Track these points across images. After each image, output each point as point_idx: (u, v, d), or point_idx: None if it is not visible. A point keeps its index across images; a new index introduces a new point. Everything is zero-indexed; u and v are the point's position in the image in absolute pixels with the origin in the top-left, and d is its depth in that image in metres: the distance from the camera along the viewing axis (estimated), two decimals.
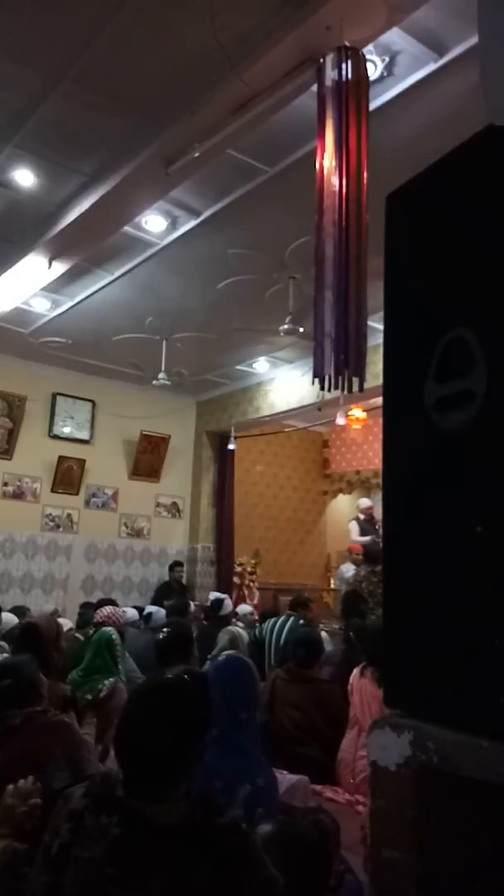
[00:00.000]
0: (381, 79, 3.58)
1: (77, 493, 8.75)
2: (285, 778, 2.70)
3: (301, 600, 6.21)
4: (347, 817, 2.47)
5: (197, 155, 3.80)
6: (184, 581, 9.22)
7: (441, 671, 0.95)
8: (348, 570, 8.61)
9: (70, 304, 6.63)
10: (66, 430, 8.71)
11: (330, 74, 3.05)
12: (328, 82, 3.06)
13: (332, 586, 10.26)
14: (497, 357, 0.92)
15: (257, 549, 10.20)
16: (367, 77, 3.15)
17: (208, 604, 6.98)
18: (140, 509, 9.37)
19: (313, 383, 3.04)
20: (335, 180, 2.99)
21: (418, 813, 0.94)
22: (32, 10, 3.24)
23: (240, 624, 6.48)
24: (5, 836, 1.75)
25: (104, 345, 7.67)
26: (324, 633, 5.18)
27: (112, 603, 5.90)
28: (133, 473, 9.26)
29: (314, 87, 3.19)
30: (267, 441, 10.64)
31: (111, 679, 4.08)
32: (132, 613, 6.16)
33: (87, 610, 6.53)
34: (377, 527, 8.50)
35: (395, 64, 3.53)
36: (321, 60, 3.08)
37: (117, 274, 5.97)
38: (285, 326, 5.85)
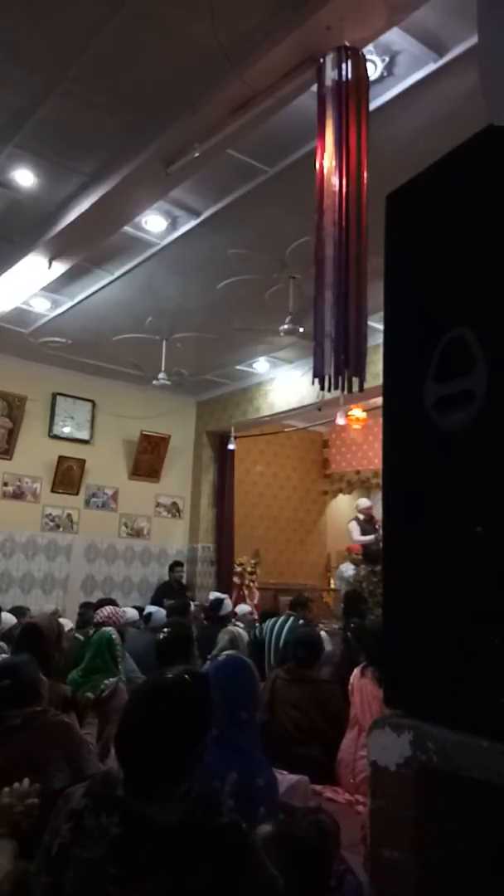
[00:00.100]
0: (381, 79, 3.58)
1: (77, 493, 8.75)
2: (285, 778, 2.70)
3: (301, 600, 6.21)
4: (347, 817, 2.47)
5: (197, 155, 3.80)
6: (184, 581, 9.21)
7: (441, 671, 0.95)
8: (348, 569, 8.61)
9: (70, 304, 6.63)
10: (66, 430, 8.71)
11: (330, 74, 3.05)
12: (328, 82, 3.06)
13: (332, 586, 10.26)
14: (497, 357, 0.92)
15: (257, 549, 10.20)
16: (367, 77, 3.15)
17: (208, 604, 6.98)
18: (140, 509, 9.36)
19: (313, 383, 3.04)
20: (335, 180, 2.99)
21: (418, 813, 0.94)
22: (32, 10, 3.23)
23: (239, 624, 6.48)
24: (3, 836, 1.76)
25: (104, 345, 7.67)
26: (323, 633, 5.18)
27: (112, 603, 5.90)
28: (133, 473, 9.26)
29: (314, 87, 3.19)
30: (267, 441, 10.64)
31: (112, 679, 4.08)
32: (132, 613, 6.16)
33: (87, 610, 6.53)
34: (377, 527, 8.50)
35: (395, 64, 3.53)
36: (321, 60, 3.08)
37: (117, 274, 5.96)
38: (285, 326, 5.85)
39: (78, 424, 8.79)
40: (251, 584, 9.62)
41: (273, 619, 5.82)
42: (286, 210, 4.74)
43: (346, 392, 3.00)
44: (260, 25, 3.14)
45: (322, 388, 3.03)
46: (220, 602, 6.68)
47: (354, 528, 8.82)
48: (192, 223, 5.09)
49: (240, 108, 3.47)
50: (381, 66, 3.52)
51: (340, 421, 7.87)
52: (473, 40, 2.94)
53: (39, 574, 8.41)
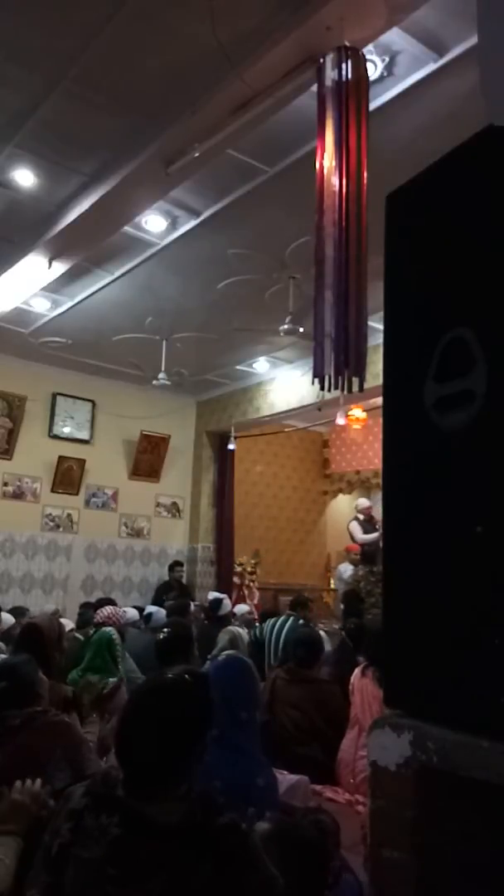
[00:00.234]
0: (381, 79, 3.58)
1: (77, 493, 8.75)
2: (285, 778, 2.70)
3: (301, 600, 6.20)
4: (347, 817, 2.46)
5: (197, 155, 3.80)
6: (184, 581, 9.21)
7: (441, 671, 0.95)
8: (346, 570, 8.61)
9: (70, 304, 6.63)
10: (66, 430, 8.71)
11: (330, 74, 3.05)
12: (328, 82, 3.06)
13: (332, 586, 10.26)
14: (497, 357, 0.92)
15: (257, 549, 10.20)
16: (367, 77, 3.15)
17: (208, 604, 6.98)
18: (140, 509, 9.37)
19: (313, 383, 3.04)
20: (335, 180, 2.99)
21: (418, 813, 0.94)
22: (32, 10, 3.24)
23: (237, 624, 6.47)
24: (12, 833, 1.75)
25: (104, 345, 7.67)
26: (322, 633, 5.18)
27: (112, 603, 5.90)
28: (133, 473, 9.26)
29: (314, 87, 3.19)
30: (267, 441, 10.64)
31: (113, 679, 4.08)
32: (132, 613, 6.16)
33: (87, 610, 6.53)
34: (377, 526, 8.49)
35: (395, 64, 3.53)
36: (321, 60, 3.08)
37: (117, 274, 5.97)
38: (285, 326, 5.85)
39: (78, 424, 8.80)
40: (251, 584, 9.62)
41: (273, 619, 5.82)
42: (286, 210, 4.74)
43: (346, 392, 3.01)
44: (260, 25, 3.14)
45: (322, 388, 3.03)
46: (218, 602, 6.68)
47: (356, 528, 8.81)
48: (192, 223, 5.09)
49: (240, 108, 3.47)
50: (381, 66, 3.52)
51: (340, 421, 7.87)
52: (473, 40, 2.95)
53: (39, 574, 8.41)
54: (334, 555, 11.06)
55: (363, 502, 9.20)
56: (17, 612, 6.10)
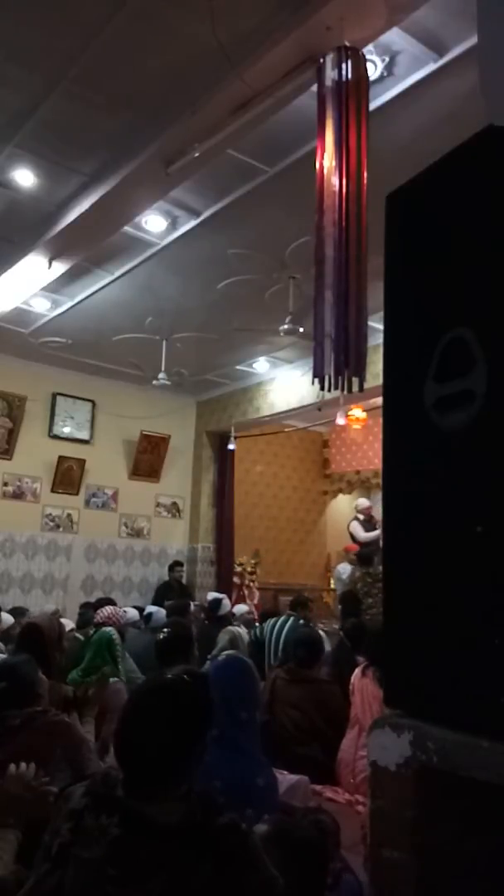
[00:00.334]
0: (381, 79, 3.58)
1: (77, 493, 8.74)
2: (285, 778, 2.70)
3: (301, 600, 6.21)
4: (347, 817, 2.47)
5: (197, 155, 3.79)
6: (184, 581, 9.21)
7: (441, 671, 0.95)
8: (345, 570, 8.61)
9: (70, 304, 6.63)
10: (66, 430, 8.71)
11: (330, 74, 3.05)
12: (328, 82, 3.06)
13: (332, 586, 10.26)
14: (497, 357, 0.92)
15: (257, 549, 10.20)
16: (367, 77, 3.15)
17: (207, 604, 6.98)
18: (140, 509, 9.36)
19: (313, 383, 3.03)
20: (335, 180, 2.99)
21: (418, 813, 0.94)
22: (32, 10, 3.23)
23: (237, 624, 6.47)
24: (9, 826, 1.75)
25: (104, 345, 7.67)
26: (322, 633, 5.18)
27: (112, 603, 5.90)
28: (133, 473, 9.26)
29: (314, 87, 3.19)
30: (267, 441, 10.63)
31: (113, 680, 4.08)
32: (133, 613, 6.16)
33: (87, 610, 6.53)
34: (377, 526, 8.49)
35: (395, 64, 3.53)
36: (321, 60, 3.08)
37: (117, 274, 5.96)
38: (285, 326, 5.85)
39: (78, 424, 8.79)
40: (251, 584, 9.62)
41: (273, 619, 5.83)
42: (286, 210, 4.74)
43: (346, 392, 3.00)
44: (260, 25, 3.14)
45: (322, 388, 3.03)
46: (218, 602, 6.68)
47: (357, 528, 8.81)
48: (192, 223, 5.09)
49: (240, 108, 3.47)
50: (381, 66, 3.52)
51: (340, 421, 7.87)
52: (473, 40, 2.94)
53: (39, 574, 8.41)
54: (334, 555, 11.05)
55: (363, 502, 9.20)
56: (16, 612, 6.10)
